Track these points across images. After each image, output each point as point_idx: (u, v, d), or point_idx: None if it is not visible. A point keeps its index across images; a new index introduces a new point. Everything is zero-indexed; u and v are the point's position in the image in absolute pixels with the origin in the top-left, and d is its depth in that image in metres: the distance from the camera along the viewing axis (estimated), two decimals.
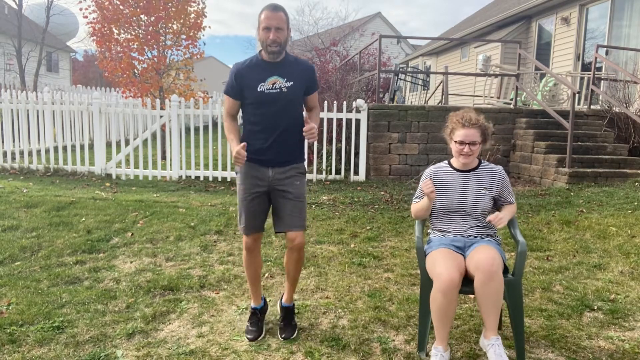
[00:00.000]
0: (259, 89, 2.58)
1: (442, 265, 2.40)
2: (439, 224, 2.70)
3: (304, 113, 2.81)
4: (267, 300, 3.04)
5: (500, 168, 2.70)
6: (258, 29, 2.56)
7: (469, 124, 2.57)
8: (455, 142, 2.59)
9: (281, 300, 2.92)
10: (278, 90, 2.58)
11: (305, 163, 2.80)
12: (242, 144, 2.50)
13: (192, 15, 10.32)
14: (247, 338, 2.69)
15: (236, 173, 2.75)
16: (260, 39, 2.54)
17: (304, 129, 2.56)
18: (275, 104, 2.59)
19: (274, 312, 3.06)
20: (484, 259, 2.35)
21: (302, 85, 2.66)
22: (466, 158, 2.58)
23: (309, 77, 2.70)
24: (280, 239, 4.59)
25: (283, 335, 2.71)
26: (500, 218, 2.47)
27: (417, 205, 2.74)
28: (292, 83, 2.60)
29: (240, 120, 2.80)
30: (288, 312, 2.83)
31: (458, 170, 2.67)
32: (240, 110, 2.73)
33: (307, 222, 2.98)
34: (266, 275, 3.71)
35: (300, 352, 2.58)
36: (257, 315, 2.81)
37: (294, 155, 2.69)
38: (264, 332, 2.76)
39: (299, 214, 2.67)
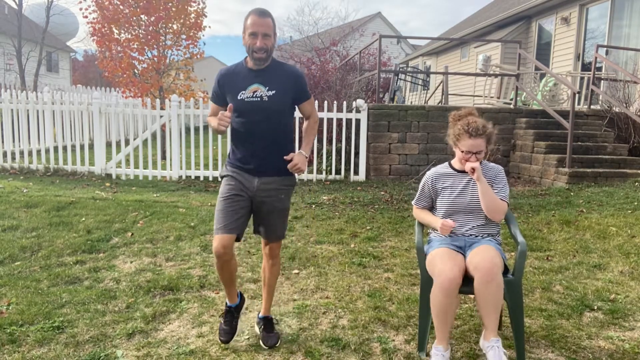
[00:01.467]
0: (239, 97, 2.50)
1: (442, 264, 2.40)
2: None
3: (304, 124, 2.71)
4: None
5: (499, 166, 2.70)
6: (244, 33, 2.47)
7: (476, 133, 2.53)
8: (462, 151, 2.57)
9: (259, 313, 2.81)
10: (258, 99, 2.49)
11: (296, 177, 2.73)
12: (229, 106, 2.46)
13: (192, 15, 10.33)
14: (221, 340, 2.61)
15: (220, 177, 2.67)
16: (246, 44, 2.46)
17: (289, 166, 2.48)
18: (256, 113, 2.49)
19: (273, 312, 3.06)
20: (484, 260, 2.34)
21: (286, 94, 2.54)
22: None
23: (296, 86, 2.56)
24: (286, 241, 4.58)
25: (267, 344, 2.62)
26: (474, 170, 2.51)
27: (422, 218, 2.75)
28: (274, 92, 2.49)
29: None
30: (267, 323, 2.72)
31: (459, 172, 2.66)
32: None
33: (288, 227, 2.94)
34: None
35: (300, 352, 2.58)
36: (233, 314, 2.69)
37: (280, 166, 2.54)
38: (237, 331, 2.67)
39: (280, 225, 2.66)
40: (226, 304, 2.73)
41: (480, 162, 2.67)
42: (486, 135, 2.56)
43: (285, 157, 2.50)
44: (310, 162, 7.80)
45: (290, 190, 2.68)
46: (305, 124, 2.74)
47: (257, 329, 2.78)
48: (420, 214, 2.77)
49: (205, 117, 7.91)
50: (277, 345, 2.63)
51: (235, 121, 2.56)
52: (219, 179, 2.70)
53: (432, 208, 2.78)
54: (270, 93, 2.50)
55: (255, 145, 2.54)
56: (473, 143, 2.53)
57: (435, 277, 2.39)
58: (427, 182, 2.73)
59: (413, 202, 2.82)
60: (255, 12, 2.45)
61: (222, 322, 2.69)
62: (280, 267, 2.86)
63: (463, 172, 2.66)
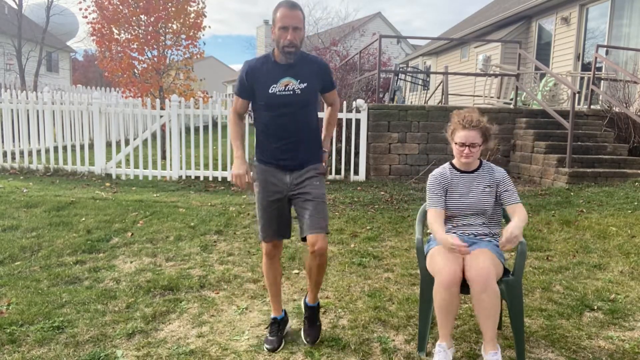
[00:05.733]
0: (270, 91, 2.47)
1: (443, 261, 2.39)
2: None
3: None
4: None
5: (501, 169, 2.68)
6: (273, 27, 2.44)
7: (470, 125, 2.53)
8: (456, 143, 2.57)
9: (305, 299, 2.78)
10: (291, 92, 2.47)
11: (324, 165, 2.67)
12: (247, 171, 2.46)
13: (192, 15, 10.32)
14: (266, 348, 2.58)
15: (253, 180, 2.64)
16: (276, 39, 2.42)
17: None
18: (288, 106, 2.48)
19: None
20: (479, 270, 2.31)
21: (317, 86, 2.56)
22: (467, 159, 2.56)
23: (324, 77, 2.59)
24: (287, 241, 4.58)
25: (308, 340, 2.61)
26: (515, 236, 2.28)
27: (434, 229, 2.52)
28: (305, 85, 2.49)
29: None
30: (312, 312, 2.70)
31: (460, 172, 2.66)
32: (251, 108, 2.64)
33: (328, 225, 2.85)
34: None
35: (300, 352, 2.58)
36: (277, 326, 2.69)
37: (311, 158, 2.58)
38: (283, 343, 2.64)
39: (320, 214, 2.50)
40: (271, 317, 2.74)
41: (482, 162, 2.67)
42: (480, 129, 2.53)
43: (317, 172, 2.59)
44: None
45: (322, 178, 2.63)
46: (327, 111, 2.74)
47: (302, 307, 2.82)
48: (435, 225, 2.54)
49: (205, 117, 7.93)
50: (317, 341, 2.62)
51: (265, 115, 2.53)
52: (253, 181, 2.66)
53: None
54: (302, 86, 2.50)
55: (286, 139, 2.53)
56: (467, 134, 2.52)
57: (436, 274, 2.39)
58: (435, 181, 2.64)
59: (429, 207, 2.62)
60: (284, 4, 2.40)
61: (268, 334, 2.68)
62: (326, 264, 2.69)
63: (464, 172, 2.65)
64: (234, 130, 2.62)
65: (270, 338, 2.65)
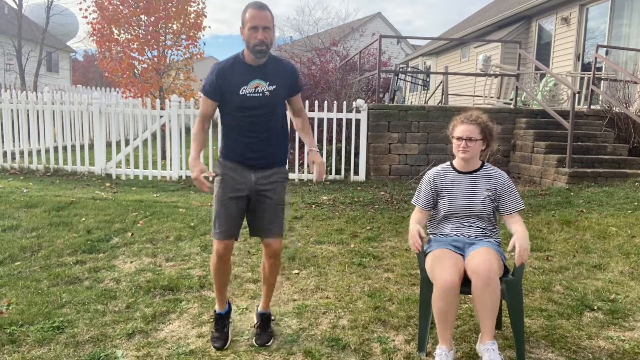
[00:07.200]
0: (240, 93, 2.49)
1: (441, 268, 2.39)
2: (439, 225, 2.69)
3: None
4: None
5: (503, 172, 2.67)
6: (242, 28, 2.45)
7: (468, 120, 2.58)
8: (455, 138, 2.61)
9: (257, 307, 2.84)
10: (260, 94, 2.50)
11: (287, 167, 2.74)
12: (203, 170, 2.48)
13: (192, 15, 10.33)
14: (215, 347, 2.60)
15: (215, 175, 2.65)
16: (246, 39, 2.44)
17: (317, 178, 2.64)
18: (258, 108, 2.51)
19: (273, 312, 3.06)
20: (482, 264, 2.33)
21: (285, 88, 2.59)
22: (464, 153, 2.57)
23: (293, 80, 2.63)
24: (286, 242, 4.58)
25: (258, 342, 2.60)
26: (524, 249, 2.36)
27: (414, 219, 2.68)
28: (274, 87, 2.53)
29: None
30: (264, 319, 2.73)
31: (460, 172, 2.66)
32: (218, 111, 2.64)
33: (289, 227, 2.92)
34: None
35: (300, 352, 2.58)
36: (222, 321, 2.71)
37: (276, 158, 2.62)
38: (229, 339, 2.67)
39: (278, 220, 2.62)
40: (215, 312, 2.74)
41: (483, 164, 2.66)
42: (479, 124, 2.57)
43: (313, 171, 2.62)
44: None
45: (286, 183, 2.69)
46: (298, 122, 2.75)
47: (253, 317, 2.82)
48: (412, 218, 2.69)
49: None
50: (269, 344, 2.61)
51: (235, 116, 2.55)
52: (211, 176, 2.69)
53: (433, 208, 2.74)
54: (272, 88, 2.53)
55: (255, 139, 2.55)
56: (465, 128, 2.56)
57: (435, 282, 2.39)
58: (426, 180, 2.71)
59: (412, 202, 2.79)
60: (253, 5, 2.42)
61: (214, 331, 2.70)
62: (281, 266, 2.83)
63: (464, 172, 2.65)
64: (196, 134, 2.62)
65: (216, 335, 2.66)
